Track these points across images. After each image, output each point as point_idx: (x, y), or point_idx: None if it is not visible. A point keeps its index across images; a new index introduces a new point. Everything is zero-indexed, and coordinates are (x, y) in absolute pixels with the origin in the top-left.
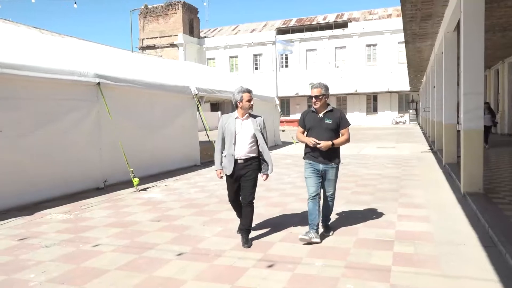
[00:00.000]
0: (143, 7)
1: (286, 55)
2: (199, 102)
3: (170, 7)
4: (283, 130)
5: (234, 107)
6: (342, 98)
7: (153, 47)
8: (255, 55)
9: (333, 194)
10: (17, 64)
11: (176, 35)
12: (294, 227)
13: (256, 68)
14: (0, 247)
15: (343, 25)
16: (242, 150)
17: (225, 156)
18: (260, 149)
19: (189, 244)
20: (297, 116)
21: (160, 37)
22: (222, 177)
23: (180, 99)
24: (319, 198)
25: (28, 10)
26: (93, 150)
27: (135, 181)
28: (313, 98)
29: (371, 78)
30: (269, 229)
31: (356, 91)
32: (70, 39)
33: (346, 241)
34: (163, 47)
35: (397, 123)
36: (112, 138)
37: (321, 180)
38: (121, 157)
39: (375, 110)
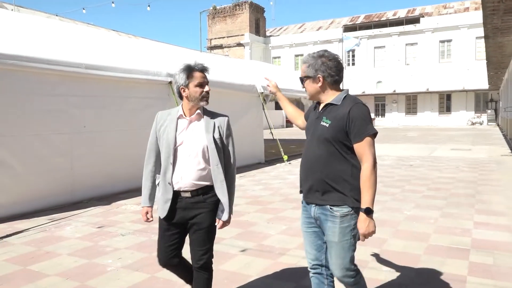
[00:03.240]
0: (211, 8)
1: (353, 53)
2: (265, 100)
3: (238, 7)
4: None
5: (178, 97)
6: (412, 97)
7: (220, 46)
8: None
9: (347, 276)
10: (100, 65)
11: (242, 35)
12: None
13: None
14: (82, 233)
15: (415, 20)
16: (187, 175)
17: (158, 185)
18: (213, 176)
19: (254, 240)
20: None
21: (227, 37)
22: (150, 219)
23: (246, 98)
24: (329, 272)
25: (108, 14)
26: None
27: None
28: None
29: (444, 76)
30: None
31: (427, 89)
32: (144, 40)
33: (416, 247)
34: (230, 47)
35: (473, 123)
36: None
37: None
38: None
39: (448, 110)
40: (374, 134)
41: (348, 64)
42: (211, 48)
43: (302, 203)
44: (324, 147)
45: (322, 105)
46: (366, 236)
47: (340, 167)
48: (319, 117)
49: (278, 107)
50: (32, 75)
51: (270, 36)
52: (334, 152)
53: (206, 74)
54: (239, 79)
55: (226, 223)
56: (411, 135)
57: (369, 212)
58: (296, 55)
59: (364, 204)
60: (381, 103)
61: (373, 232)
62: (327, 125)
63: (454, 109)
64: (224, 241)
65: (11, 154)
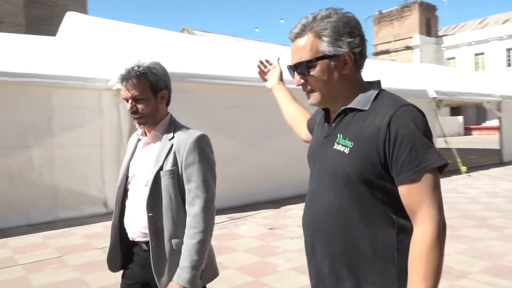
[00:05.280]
0: (377, 13)
1: None
2: (438, 106)
3: (406, 8)
4: None
5: None
6: None
7: (386, 52)
8: (508, 50)
9: None
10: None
11: (411, 37)
12: None
13: (509, 65)
14: (256, 233)
15: None
16: (136, 221)
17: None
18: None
19: None
20: None
21: (394, 41)
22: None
23: (416, 104)
24: None
25: (278, 30)
26: None
27: None
28: (294, 71)
29: None
30: None
31: None
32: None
33: None
34: (397, 51)
35: None
36: None
37: None
38: None
39: None
40: (441, 168)
41: None
42: (377, 53)
43: None
44: (343, 192)
45: (333, 113)
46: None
47: (374, 232)
48: (330, 135)
49: (454, 113)
50: (214, 90)
51: (443, 35)
52: (362, 201)
53: (133, 83)
54: (408, 84)
55: None
56: None
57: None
58: (476, 54)
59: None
60: None
61: None
62: (346, 150)
63: None
64: None
65: None
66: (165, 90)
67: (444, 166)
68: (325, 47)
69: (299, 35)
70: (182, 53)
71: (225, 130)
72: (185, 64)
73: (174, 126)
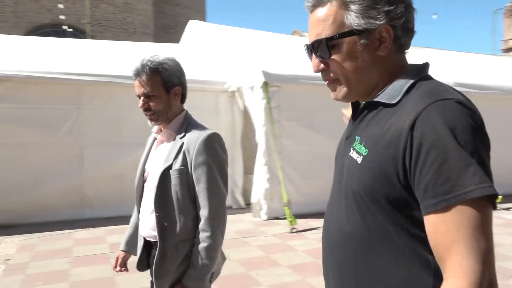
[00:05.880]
0: (509, 4)
1: None
2: None
3: None
4: None
5: None
6: None
7: None
8: None
9: None
10: None
11: None
12: None
13: None
14: None
15: None
16: (147, 221)
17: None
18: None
19: None
20: None
21: None
22: (116, 269)
23: None
24: None
25: None
26: None
27: (499, 198)
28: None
29: None
30: None
31: None
32: (428, 50)
33: None
34: None
35: None
36: None
37: None
38: None
39: None
40: (490, 198)
41: None
42: (508, 50)
43: None
44: (355, 214)
45: (360, 110)
46: None
47: (399, 272)
48: (351, 137)
49: None
50: (321, 92)
51: None
52: (381, 229)
53: (144, 79)
54: None
55: None
56: None
57: None
58: None
59: None
60: None
61: None
62: (360, 158)
63: None
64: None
65: (297, 161)
66: (178, 86)
67: (495, 196)
68: (353, 19)
69: (319, 3)
70: (293, 55)
71: (329, 132)
72: (295, 66)
73: (187, 124)
